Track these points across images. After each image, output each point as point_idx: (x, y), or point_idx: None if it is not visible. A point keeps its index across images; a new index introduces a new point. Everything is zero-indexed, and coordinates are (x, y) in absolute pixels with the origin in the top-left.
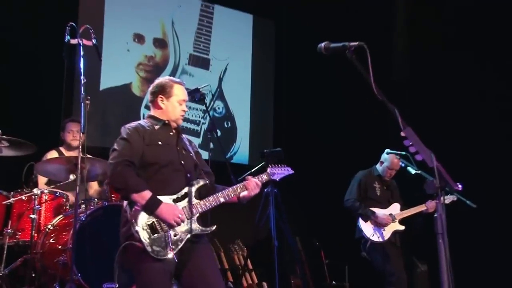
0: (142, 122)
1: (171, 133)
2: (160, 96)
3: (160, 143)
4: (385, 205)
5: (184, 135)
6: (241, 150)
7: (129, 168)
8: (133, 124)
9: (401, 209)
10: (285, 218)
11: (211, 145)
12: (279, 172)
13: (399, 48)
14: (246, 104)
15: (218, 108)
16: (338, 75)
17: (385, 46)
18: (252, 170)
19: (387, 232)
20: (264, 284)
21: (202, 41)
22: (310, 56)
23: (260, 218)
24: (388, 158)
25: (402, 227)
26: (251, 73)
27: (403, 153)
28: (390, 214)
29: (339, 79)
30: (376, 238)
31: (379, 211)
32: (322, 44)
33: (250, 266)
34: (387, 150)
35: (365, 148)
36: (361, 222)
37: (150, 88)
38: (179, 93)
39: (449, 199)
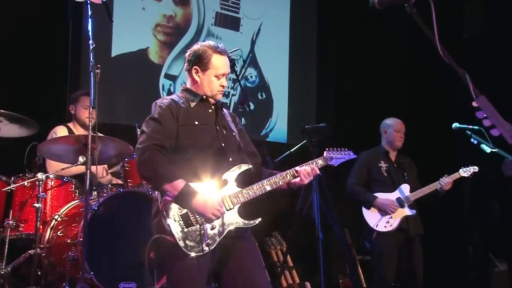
0: (175, 97)
1: (210, 110)
2: (196, 67)
3: (196, 123)
4: (394, 188)
5: (226, 110)
6: (278, 126)
7: (159, 154)
8: (166, 100)
9: (411, 191)
10: (332, 206)
11: (243, 121)
12: (338, 156)
13: None
14: (283, 71)
15: (251, 77)
16: (395, 34)
17: None
18: (292, 150)
19: (395, 220)
20: (307, 284)
21: None
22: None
23: (302, 206)
24: (387, 122)
25: (412, 212)
26: (289, 34)
27: (476, 127)
28: (398, 198)
29: (396, 39)
30: (382, 227)
31: (383, 196)
32: None
33: (290, 263)
34: (455, 124)
35: (428, 123)
36: (364, 210)
37: (187, 54)
38: (218, 65)
39: (468, 171)
